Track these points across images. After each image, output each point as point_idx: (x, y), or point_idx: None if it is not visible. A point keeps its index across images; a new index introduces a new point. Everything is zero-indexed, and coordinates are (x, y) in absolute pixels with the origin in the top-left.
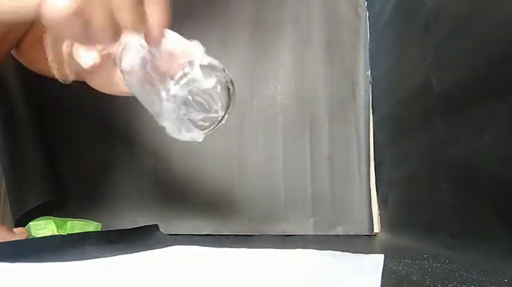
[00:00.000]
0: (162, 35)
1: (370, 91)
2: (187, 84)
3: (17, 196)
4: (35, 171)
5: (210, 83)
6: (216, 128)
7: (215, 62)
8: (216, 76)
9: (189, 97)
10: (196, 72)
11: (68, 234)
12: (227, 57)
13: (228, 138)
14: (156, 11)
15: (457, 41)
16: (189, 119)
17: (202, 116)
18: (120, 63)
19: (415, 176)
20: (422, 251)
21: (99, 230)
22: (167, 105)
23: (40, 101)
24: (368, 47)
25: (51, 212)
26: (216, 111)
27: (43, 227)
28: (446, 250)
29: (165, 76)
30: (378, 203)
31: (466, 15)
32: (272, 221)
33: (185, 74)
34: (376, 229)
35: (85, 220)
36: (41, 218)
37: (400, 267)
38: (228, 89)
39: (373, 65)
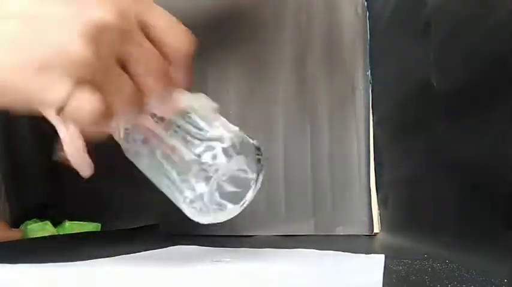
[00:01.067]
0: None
1: (370, 91)
2: (211, 177)
3: (16, 196)
4: (34, 171)
5: (237, 163)
6: (250, 198)
7: (241, 138)
8: (243, 153)
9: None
10: (220, 160)
11: (67, 234)
12: (226, 57)
13: None
14: (181, 77)
15: (458, 40)
16: (219, 199)
17: (233, 191)
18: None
19: (415, 176)
20: (422, 251)
21: (99, 230)
22: (193, 207)
23: None
24: (368, 47)
25: (50, 212)
26: (247, 184)
27: (39, 231)
28: (446, 250)
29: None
30: (378, 203)
31: (466, 15)
32: (273, 221)
33: (209, 166)
34: (376, 229)
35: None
36: (39, 223)
37: (400, 267)
38: (258, 159)
39: (373, 65)
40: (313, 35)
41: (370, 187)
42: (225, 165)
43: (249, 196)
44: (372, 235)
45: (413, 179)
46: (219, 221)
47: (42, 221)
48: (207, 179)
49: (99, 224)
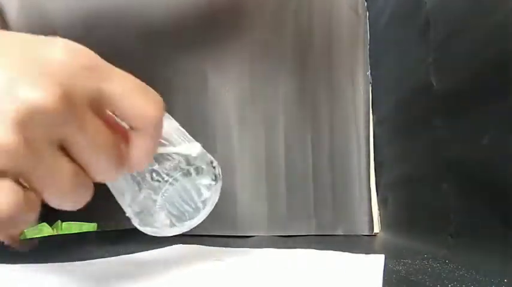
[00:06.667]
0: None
1: (370, 91)
2: (169, 190)
3: None
4: None
5: (197, 182)
6: (196, 222)
7: (209, 164)
8: (207, 173)
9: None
10: (172, 176)
11: (67, 234)
12: (226, 57)
13: (229, 139)
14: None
15: (458, 40)
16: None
17: (180, 210)
18: None
19: (415, 176)
20: (422, 251)
21: (95, 230)
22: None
23: None
24: (368, 47)
25: (49, 213)
26: (197, 206)
27: (37, 233)
28: (446, 250)
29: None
30: (378, 203)
31: (466, 15)
32: (273, 221)
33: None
34: (376, 229)
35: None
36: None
37: (400, 267)
38: (216, 178)
39: (373, 65)
40: (313, 35)
41: (370, 187)
42: (177, 182)
43: (195, 220)
44: (372, 235)
45: (413, 179)
46: (157, 235)
47: (39, 223)
48: (156, 190)
49: (95, 224)
